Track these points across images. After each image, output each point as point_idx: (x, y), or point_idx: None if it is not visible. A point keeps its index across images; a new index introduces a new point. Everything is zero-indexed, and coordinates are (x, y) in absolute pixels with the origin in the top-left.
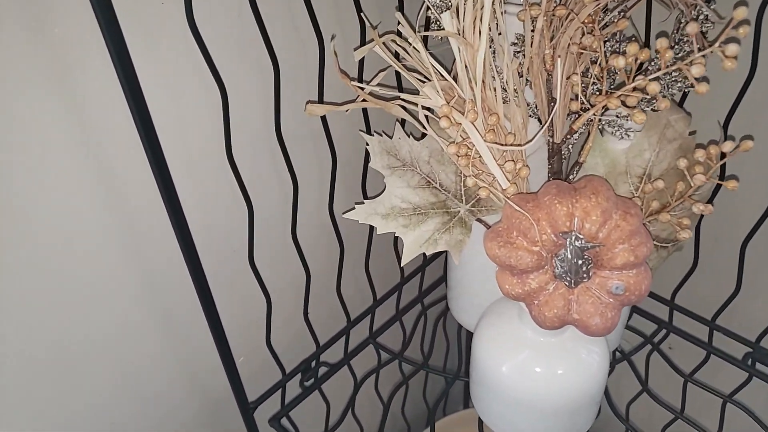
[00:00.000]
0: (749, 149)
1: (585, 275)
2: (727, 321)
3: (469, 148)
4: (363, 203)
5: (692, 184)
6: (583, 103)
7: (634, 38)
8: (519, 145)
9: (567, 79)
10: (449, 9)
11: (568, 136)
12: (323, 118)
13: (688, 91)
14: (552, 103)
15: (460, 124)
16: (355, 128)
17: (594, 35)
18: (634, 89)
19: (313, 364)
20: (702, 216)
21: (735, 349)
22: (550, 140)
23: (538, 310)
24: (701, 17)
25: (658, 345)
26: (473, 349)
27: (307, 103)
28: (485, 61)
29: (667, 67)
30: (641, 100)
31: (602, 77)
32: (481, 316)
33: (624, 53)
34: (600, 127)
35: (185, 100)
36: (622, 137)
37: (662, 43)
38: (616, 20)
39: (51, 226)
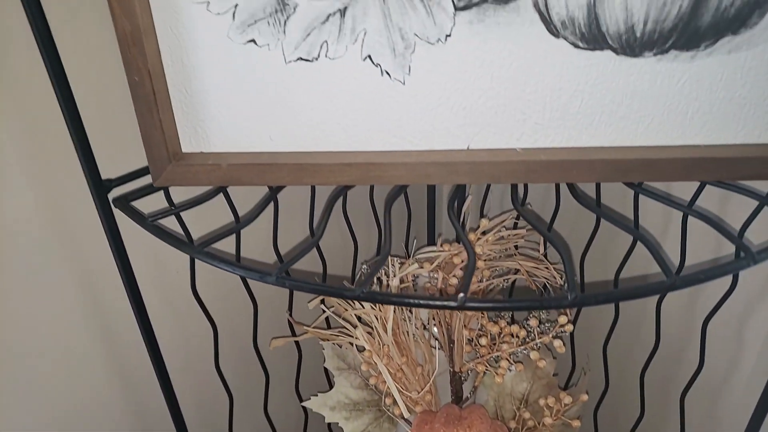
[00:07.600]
0: (585, 401)
1: None
2: None
3: (383, 381)
4: (317, 396)
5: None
6: (474, 346)
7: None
8: (402, 385)
9: (464, 328)
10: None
11: (463, 370)
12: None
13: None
14: (451, 344)
15: (376, 365)
16: None
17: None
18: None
19: None
20: None
21: None
22: (451, 369)
23: None
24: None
25: None
26: None
27: (272, 339)
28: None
29: (520, 345)
30: (514, 353)
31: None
32: None
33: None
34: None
35: None
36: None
37: (514, 329)
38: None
39: None
